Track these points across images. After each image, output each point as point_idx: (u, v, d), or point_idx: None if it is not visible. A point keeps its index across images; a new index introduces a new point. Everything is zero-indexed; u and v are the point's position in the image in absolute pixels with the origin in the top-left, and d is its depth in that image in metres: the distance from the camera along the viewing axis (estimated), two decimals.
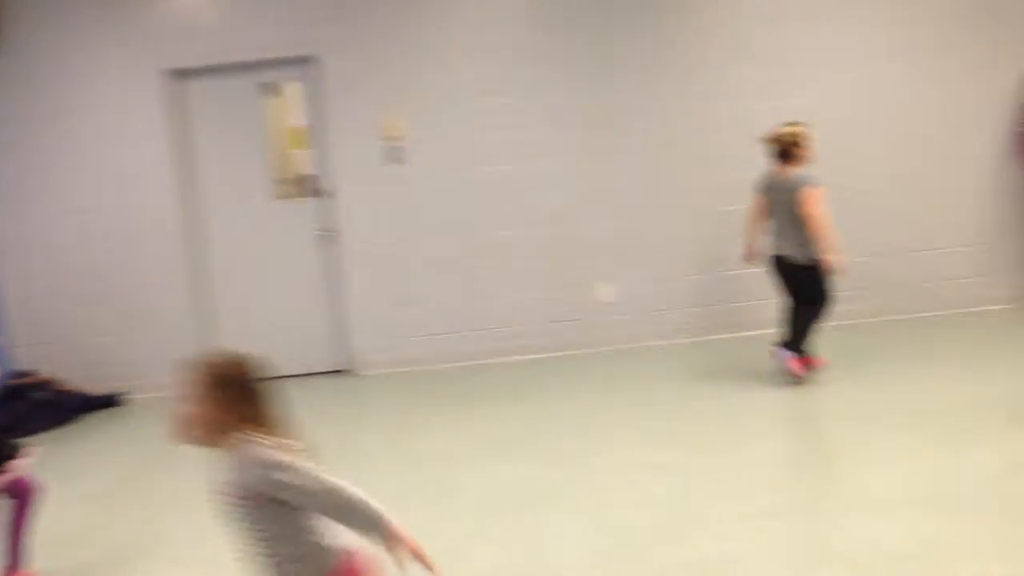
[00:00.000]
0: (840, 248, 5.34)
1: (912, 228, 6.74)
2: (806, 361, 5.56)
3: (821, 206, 5.28)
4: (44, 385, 6.55)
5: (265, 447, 2.21)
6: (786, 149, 5.41)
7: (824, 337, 5.75)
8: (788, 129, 5.44)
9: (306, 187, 6.97)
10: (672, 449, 4.69)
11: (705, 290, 6.83)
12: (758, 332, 6.53)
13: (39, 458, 3.99)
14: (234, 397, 2.25)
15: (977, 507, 3.69)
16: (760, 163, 5.65)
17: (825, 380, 5.55)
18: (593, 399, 5.72)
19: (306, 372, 6.93)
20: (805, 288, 5.46)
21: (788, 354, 5.51)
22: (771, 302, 5.87)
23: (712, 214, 6.74)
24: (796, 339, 5.51)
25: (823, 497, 4.01)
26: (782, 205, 5.45)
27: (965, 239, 6.76)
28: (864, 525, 3.63)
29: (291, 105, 6.96)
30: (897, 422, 4.77)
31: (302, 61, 6.72)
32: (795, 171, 5.40)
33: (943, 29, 6.56)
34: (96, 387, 6.73)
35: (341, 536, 2.31)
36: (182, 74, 6.77)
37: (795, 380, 5.51)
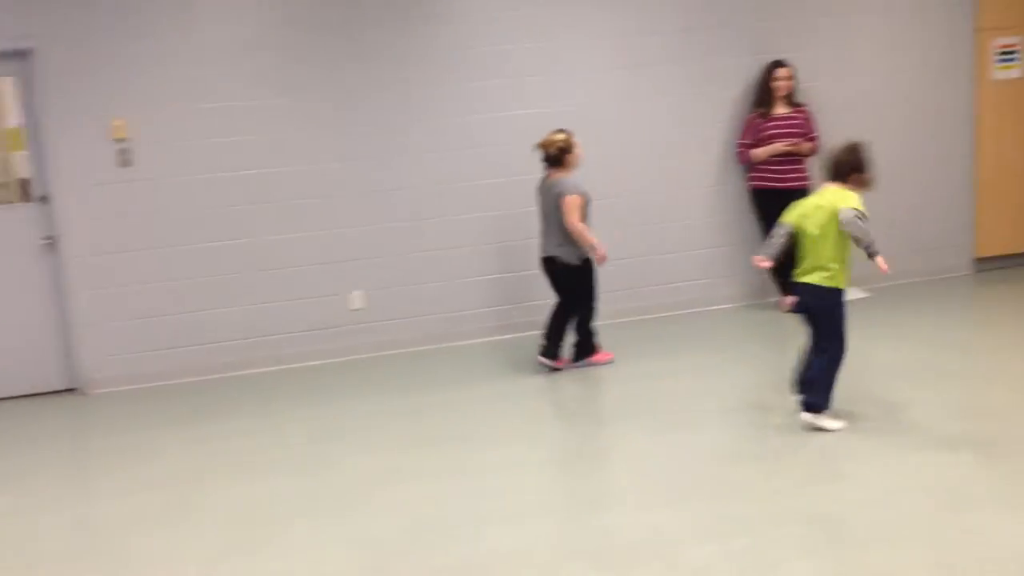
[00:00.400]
0: (600, 249, 5.70)
1: (647, 233, 7.07)
2: (590, 356, 5.96)
3: (576, 212, 5.62)
4: None
5: None
6: (554, 155, 5.69)
7: (587, 335, 6.01)
8: (554, 136, 5.71)
9: (26, 191, 6.41)
10: (425, 454, 4.72)
11: (496, 291, 6.90)
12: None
13: None
14: None
15: (698, 492, 3.99)
16: (533, 168, 5.95)
17: (568, 378, 5.83)
18: (345, 406, 5.66)
19: (29, 392, 6.39)
20: (568, 288, 5.77)
21: (550, 361, 5.86)
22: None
23: (484, 218, 6.82)
24: (555, 340, 5.84)
25: (567, 495, 4.18)
26: (547, 209, 5.77)
27: (697, 243, 7.17)
28: (602, 519, 3.82)
29: (6, 103, 6.37)
30: (632, 415, 5.08)
31: (17, 55, 6.17)
32: (561, 176, 5.68)
33: (672, 42, 6.89)
34: None
35: None
36: None
37: (554, 370, 5.88)
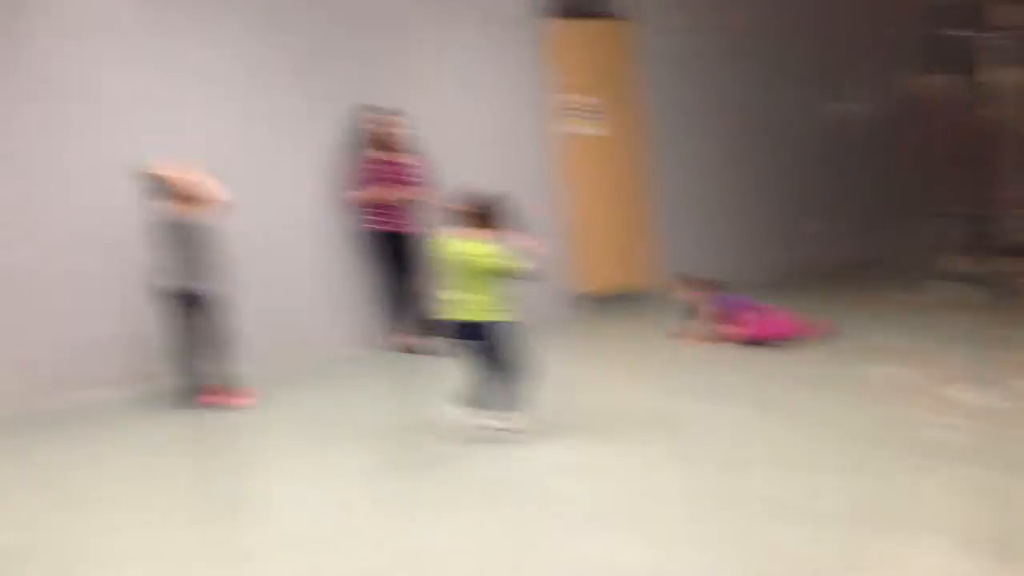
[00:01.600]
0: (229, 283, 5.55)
1: (258, 269, 6.50)
2: (227, 393, 5.58)
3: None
4: None
5: None
6: (171, 191, 5.45)
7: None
8: (166, 172, 5.47)
9: None
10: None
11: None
12: None
13: None
14: None
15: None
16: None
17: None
18: None
19: None
20: (200, 322, 5.55)
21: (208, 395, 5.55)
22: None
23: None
24: (192, 380, 5.57)
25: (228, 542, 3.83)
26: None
27: (317, 287, 6.77)
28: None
29: None
30: (303, 455, 4.71)
31: None
32: (192, 211, 5.48)
33: (279, 83, 6.57)
34: None
35: None
36: None
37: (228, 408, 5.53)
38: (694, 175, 8.30)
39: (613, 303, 7.95)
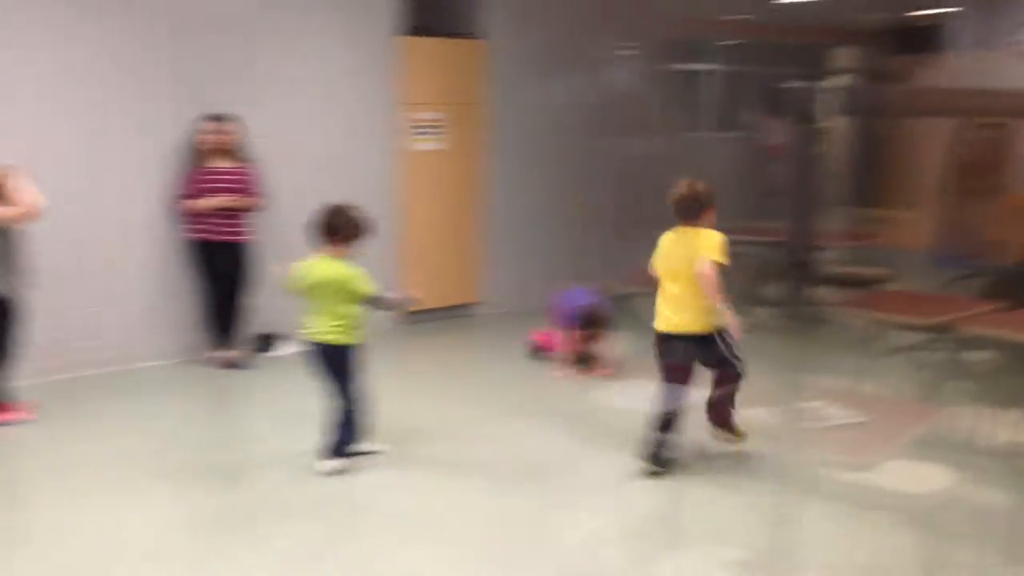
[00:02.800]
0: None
1: (75, 283, 6.34)
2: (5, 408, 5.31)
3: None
4: None
5: None
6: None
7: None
8: None
9: None
10: None
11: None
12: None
13: None
14: None
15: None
16: None
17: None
18: None
19: None
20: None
21: None
22: None
23: None
24: None
25: None
26: None
27: (131, 295, 6.57)
28: None
29: None
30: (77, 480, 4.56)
31: None
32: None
33: (111, 85, 6.37)
34: None
35: None
36: None
37: None
38: (532, 193, 8.43)
39: (445, 318, 7.99)
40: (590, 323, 6.15)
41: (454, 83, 7.95)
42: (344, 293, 4.53)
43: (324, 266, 4.55)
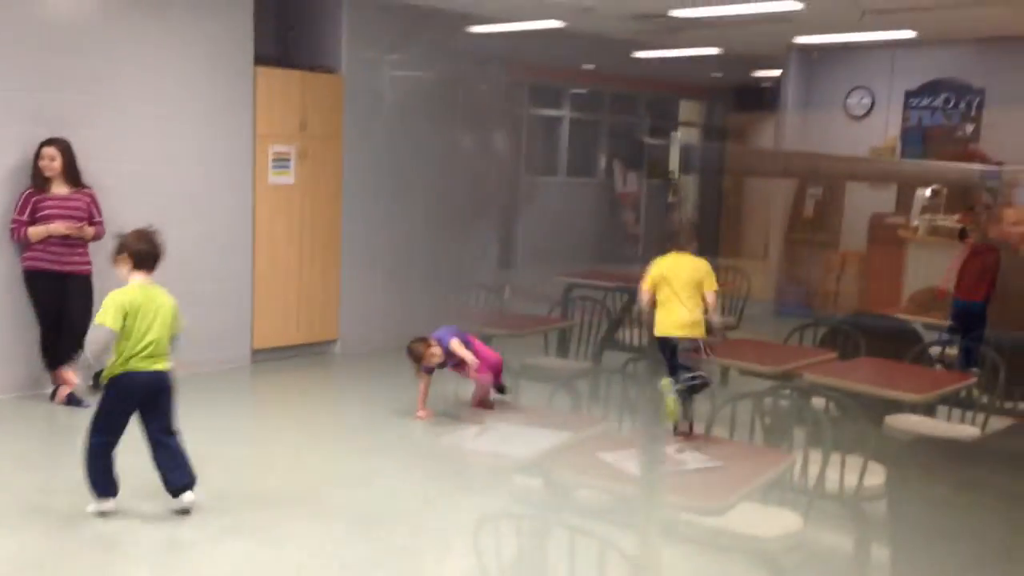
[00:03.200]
0: None
1: None
2: None
3: None
4: None
5: None
6: None
7: None
8: None
9: None
10: None
11: None
12: None
13: None
14: None
15: None
16: None
17: None
18: None
19: None
20: None
21: None
22: None
23: None
24: None
25: None
26: None
27: None
28: None
29: None
30: None
31: None
32: None
33: None
34: None
35: None
36: None
37: None
38: (388, 229, 8.43)
39: (302, 355, 7.81)
40: (457, 363, 6.10)
41: (311, 116, 7.87)
42: (173, 322, 4.42)
43: (161, 294, 4.40)
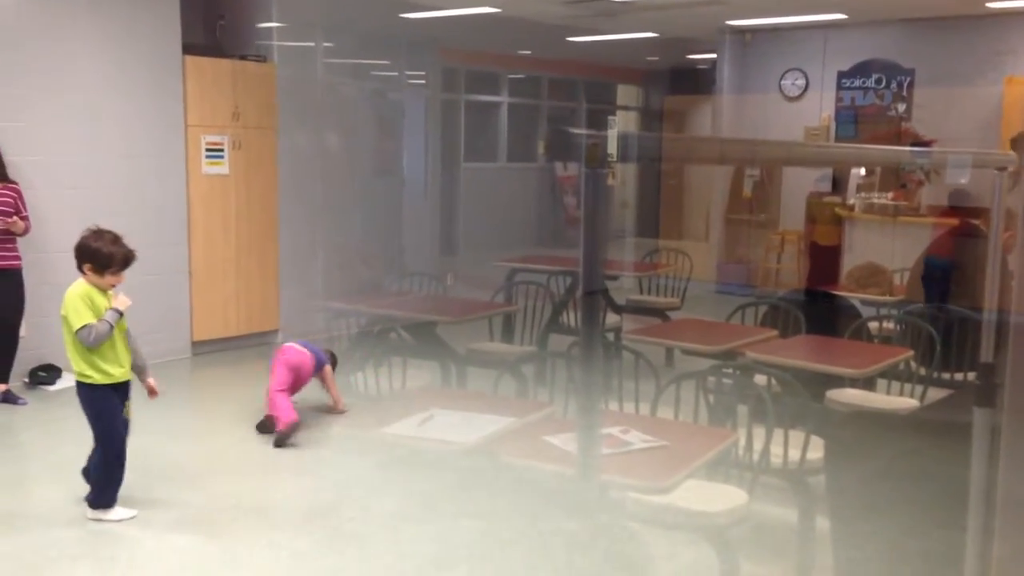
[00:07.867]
0: None
1: None
2: None
3: None
4: None
5: None
6: None
7: None
8: None
9: None
10: None
11: None
12: None
13: None
14: None
15: None
16: None
17: None
18: None
19: None
20: None
21: None
22: None
23: None
24: None
25: None
26: None
27: None
28: None
29: None
30: None
31: None
32: None
33: None
34: None
35: None
36: None
37: None
38: (323, 218, 8.37)
39: (242, 347, 7.71)
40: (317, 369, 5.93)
41: (244, 106, 7.74)
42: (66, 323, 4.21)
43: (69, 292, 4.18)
